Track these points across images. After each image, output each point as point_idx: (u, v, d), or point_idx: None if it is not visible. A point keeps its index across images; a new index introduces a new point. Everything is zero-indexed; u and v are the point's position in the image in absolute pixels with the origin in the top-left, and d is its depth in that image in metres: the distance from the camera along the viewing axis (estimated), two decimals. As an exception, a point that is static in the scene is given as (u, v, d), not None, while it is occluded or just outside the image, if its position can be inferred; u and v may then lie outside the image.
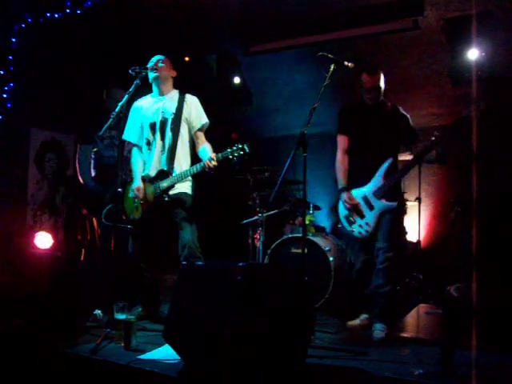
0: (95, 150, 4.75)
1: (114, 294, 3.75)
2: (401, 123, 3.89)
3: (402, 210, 3.96)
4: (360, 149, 3.94)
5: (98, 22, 5.69)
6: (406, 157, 4.20)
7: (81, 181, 5.30)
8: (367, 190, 3.87)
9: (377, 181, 3.83)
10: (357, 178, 3.94)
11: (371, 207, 3.84)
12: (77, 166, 5.35)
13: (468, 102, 3.55)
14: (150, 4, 5.47)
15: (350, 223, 3.96)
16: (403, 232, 5.91)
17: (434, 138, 3.62)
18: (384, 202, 3.79)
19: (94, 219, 5.32)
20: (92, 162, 5.49)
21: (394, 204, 3.77)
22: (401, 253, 4.04)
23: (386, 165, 3.81)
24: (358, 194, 3.91)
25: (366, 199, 3.87)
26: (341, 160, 4.00)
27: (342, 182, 3.97)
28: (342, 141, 4.02)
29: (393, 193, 3.81)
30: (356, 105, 4.04)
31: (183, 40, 6.13)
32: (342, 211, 4.00)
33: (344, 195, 3.91)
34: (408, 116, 3.94)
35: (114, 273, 4.23)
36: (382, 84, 3.88)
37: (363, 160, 3.91)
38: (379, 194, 3.80)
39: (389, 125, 3.86)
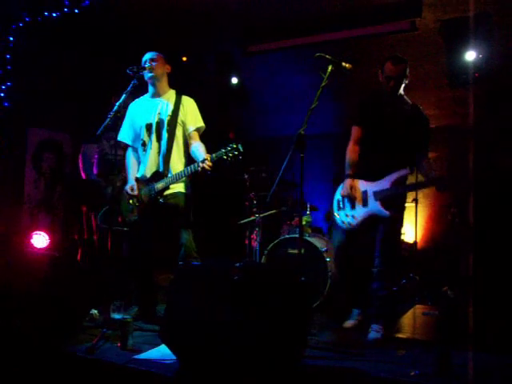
0: (99, 148, 4.75)
1: (110, 293, 3.75)
2: (419, 125, 3.79)
3: (400, 215, 3.84)
4: (373, 142, 3.85)
5: (95, 21, 5.68)
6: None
7: (83, 176, 5.32)
8: (371, 187, 3.79)
9: (384, 183, 3.74)
10: (365, 171, 3.85)
11: (366, 204, 3.79)
12: (80, 162, 5.35)
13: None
14: (148, 4, 5.47)
15: (339, 208, 3.91)
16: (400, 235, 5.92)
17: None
18: (378, 206, 3.72)
19: (92, 217, 5.32)
20: (95, 160, 5.52)
21: (386, 214, 3.69)
22: (397, 256, 4.00)
23: (400, 173, 3.71)
24: (361, 186, 3.84)
25: (365, 194, 3.80)
26: (351, 149, 3.92)
27: (348, 169, 3.88)
28: (355, 131, 3.95)
29: (393, 202, 3.73)
30: (375, 97, 3.96)
31: (181, 40, 6.13)
32: (338, 195, 3.95)
33: (347, 181, 3.84)
34: (428, 119, 3.84)
35: (111, 273, 4.24)
36: (405, 78, 3.79)
37: (375, 154, 3.82)
38: (379, 195, 3.73)
39: (406, 123, 3.76)
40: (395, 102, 3.86)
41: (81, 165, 5.36)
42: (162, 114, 4.07)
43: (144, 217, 4.03)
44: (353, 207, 3.84)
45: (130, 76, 3.81)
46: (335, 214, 3.96)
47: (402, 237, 6.13)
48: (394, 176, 3.73)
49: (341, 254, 4.04)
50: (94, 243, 5.40)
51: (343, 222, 3.88)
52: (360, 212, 3.81)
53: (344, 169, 3.97)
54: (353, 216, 3.83)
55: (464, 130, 5.01)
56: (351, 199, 3.84)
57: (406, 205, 5.86)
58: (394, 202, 3.75)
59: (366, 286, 3.84)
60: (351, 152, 3.93)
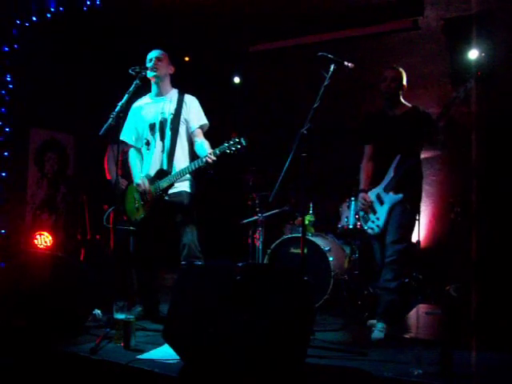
0: (124, 150, 4.77)
1: (113, 293, 3.75)
2: (422, 124, 3.85)
3: (412, 203, 3.91)
4: (381, 154, 3.99)
5: (98, 21, 5.69)
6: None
7: (107, 176, 5.35)
8: (380, 187, 3.91)
9: (388, 176, 3.87)
10: (376, 180, 3.99)
11: (382, 202, 3.88)
12: (105, 163, 5.38)
13: (457, 86, 3.61)
14: (151, 4, 5.47)
15: (366, 221, 4.02)
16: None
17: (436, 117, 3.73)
18: (391, 195, 3.81)
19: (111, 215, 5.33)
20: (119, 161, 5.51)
21: (400, 196, 3.77)
22: (410, 249, 4.02)
23: (395, 160, 3.83)
24: (372, 193, 3.97)
25: (378, 196, 3.92)
26: (365, 167, 4.11)
27: (361, 185, 4.09)
28: (367, 149, 4.13)
29: (402, 185, 3.80)
30: (376, 113, 4.11)
31: (183, 39, 6.13)
32: (360, 212, 4.10)
33: (360, 195, 4.03)
34: (429, 114, 3.92)
35: (115, 272, 4.24)
36: (402, 83, 3.93)
37: (383, 165, 3.94)
38: (388, 187, 3.84)
39: (408, 129, 3.85)
40: (395, 110, 3.95)
41: (106, 165, 5.38)
42: (165, 112, 4.07)
43: (150, 215, 4.03)
44: (375, 213, 3.93)
45: (133, 76, 3.81)
46: (365, 228, 4.07)
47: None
48: (393, 166, 3.84)
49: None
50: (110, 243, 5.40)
51: (372, 229, 3.96)
52: (381, 212, 3.88)
53: (346, 169, 4.05)
54: (377, 218, 3.92)
55: (466, 128, 5.00)
56: (370, 208, 3.95)
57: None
58: (404, 186, 3.81)
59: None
60: (365, 169, 4.11)
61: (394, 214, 3.81)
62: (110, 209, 5.11)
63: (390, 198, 3.82)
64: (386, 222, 3.85)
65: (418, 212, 4.47)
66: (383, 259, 3.89)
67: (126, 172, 4.55)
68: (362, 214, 4.06)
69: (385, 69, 4.00)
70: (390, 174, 3.85)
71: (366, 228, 4.04)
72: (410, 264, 5.16)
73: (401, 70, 3.97)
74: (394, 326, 3.81)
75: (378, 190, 3.92)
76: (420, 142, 3.92)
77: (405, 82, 3.95)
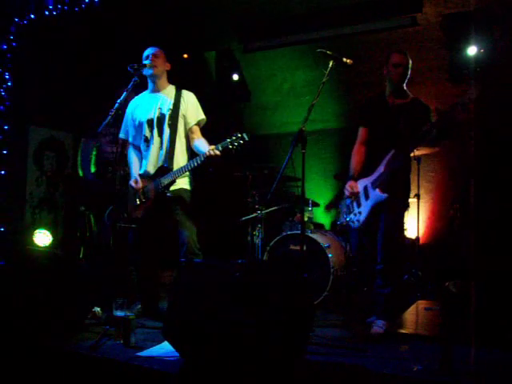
0: (97, 145, 4.73)
1: (113, 291, 3.75)
2: (421, 116, 3.79)
3: (399, 206, 3.86)
4: (376, 143, 3.91)
5: (96, 19, 5.68)
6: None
7: (80, 174, 5.30)
8: (369, 179, 3.84)
9: (379, 169, 3.79)
10: (367, 169, 3.90)
11: (367, 196, 3.81)
12: (78, 158, 5.33)
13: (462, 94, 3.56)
14: (149, 2, 5.47)
15: (349, 211, 3.96)
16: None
17: (433, 122, 3.65)
18: (377, 192, 3.73)
19: (90, 216, 5.31)
20: (93, 157, 5.47)
21: (384, 196, 3.69)
22: (400, 252, 3.99)
23: (389, 154, 3.75)
24: (361, 184, 3.89)
25: (365, 188, 3.84)
26: (357, 150, 4.00)
27: (351, 170, 3.97)
28: (360, 132, 4.02)
29: (389, 184, 3.73)
30: (377, 98, 4.02)
31: (182, 37, 6.12)
32: (346, 200, 4.02)
33: (349, 182, 3.91)
34: (430, 109, 3.87)
35: (113, 270, 4.24)
36: (409, 70, 3.84)
37: (377, 152, 3.86)
38: (376, 183, 3.76)
39: (406, 119, 3.79)
40: (398, 99, 3.88)
41: (79, 161, 5.33)
42: (163, 108, 4.07)
43: (151, 213, 4.03)
44: (359, 206, 3.88)
45: (131, 73, 3.81)
46: (347, 219, 3.99)
47: (405, 232, 6.11)
48: (385, 160, 3.76)
49: (360, 256, 4.14)
50: (92, 242, 5.39)
51: (353, 222, 3.92)
52: (365, 206, 3.83)
53: (346, 167, 4.02)
54: (359, 212, 3.86)
55: (464, 124, 5.00)
56: (356, 198, 3.88)
57: (409, 200, 5.84)
58: (391, 185, 3.74)
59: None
60: (356, 153, 4.00)
61: (379, 217, 3.75)
62: (111, 207, 5.12)
63: (376, 195, 3.74)
64: (367, 220, 3.80)
65: (408, 207, 4.37)
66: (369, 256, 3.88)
67: (101, 171, 4.51)
68: (348, 202, 3.98)
69: (394, 52, 3.87)
70: (381, 169, 3.77)
71: (347, 219, 3.96)
72: (402, 266, 5.14)
73: (408, 55, 3.88)
74: (394, 322, 3.81)
75: (367, 182, 3.84)
76: (415, 136, 3.78)
77: (411, 66, 3.86)
